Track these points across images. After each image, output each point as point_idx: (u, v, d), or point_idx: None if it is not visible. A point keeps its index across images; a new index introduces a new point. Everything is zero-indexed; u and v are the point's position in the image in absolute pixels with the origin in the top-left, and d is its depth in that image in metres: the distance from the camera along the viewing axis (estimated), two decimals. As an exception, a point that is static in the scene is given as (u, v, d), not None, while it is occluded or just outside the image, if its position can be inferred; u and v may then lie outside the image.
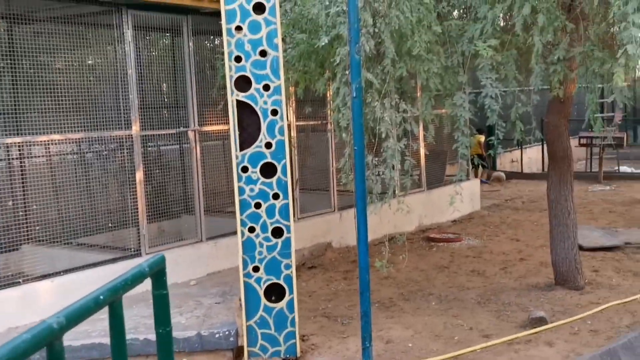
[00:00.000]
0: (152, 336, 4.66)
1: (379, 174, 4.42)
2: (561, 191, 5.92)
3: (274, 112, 4.60)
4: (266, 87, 4.60)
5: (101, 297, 1.47)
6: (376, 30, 4.44)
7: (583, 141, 13.24)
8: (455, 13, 5.23)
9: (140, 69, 6.38)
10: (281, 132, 4.61)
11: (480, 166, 12.78)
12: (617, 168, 13.85)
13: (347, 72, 4.37)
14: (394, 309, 5.71)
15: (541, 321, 5.05)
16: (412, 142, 5.40)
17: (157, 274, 1.76)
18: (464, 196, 6.24)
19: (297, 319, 4.65)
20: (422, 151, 8.98)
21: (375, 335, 4.34)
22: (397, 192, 4.49)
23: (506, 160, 14.51)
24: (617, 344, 4.53)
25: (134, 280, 1.60)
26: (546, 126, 5.86)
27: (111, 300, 1.53)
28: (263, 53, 4.58)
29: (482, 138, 12.43)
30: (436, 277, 6.71)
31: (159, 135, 6.90)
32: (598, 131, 4.80)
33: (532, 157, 14.88)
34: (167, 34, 7.48)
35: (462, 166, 4.94)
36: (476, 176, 12.66)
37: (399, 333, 5.05)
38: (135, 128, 6.09)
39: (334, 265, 7.30)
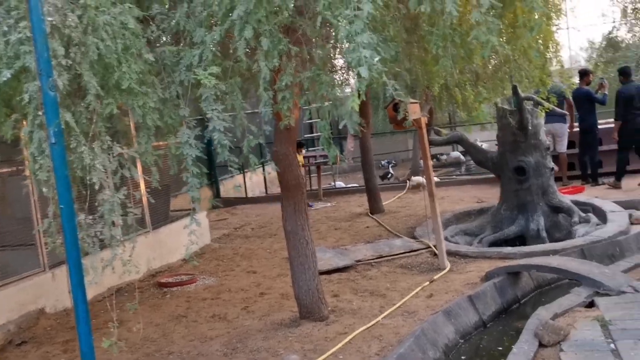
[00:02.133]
0: None
1: (96, 234, 3.61)
2: (297, 221, 5.67)
3: (-54, 168, 3.52)
4: None
5: None
6: (70, 61, 3.62)
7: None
8: (167, 38, 4.62)
9: None
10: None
11: None
12: (333, 184, 14.53)
13: (40, 113, 3.49)
14: (130, 382, 4.88)
15: (295, 367, 4.68)
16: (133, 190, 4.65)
17: None
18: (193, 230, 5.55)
19: None
20: (143, 189, 8.16)
21: None
22: (121, 252, 3.72)
23: (229, 186, 14.29)
24: (374, 379, 4.34)
25: None
26: (275, 156, 5.56)
27: None
28: None
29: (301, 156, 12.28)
30: (174, 330, 6.00)
31: None
32: (332, 160, 4.59)
33: (254, 180, 14.90)
34: None
35: (196, 208, 4.31)
36: None
37: (140, 415, 4.26)
38: None
39: (51, 335, 6.14)
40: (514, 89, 8.36)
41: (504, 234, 8.57)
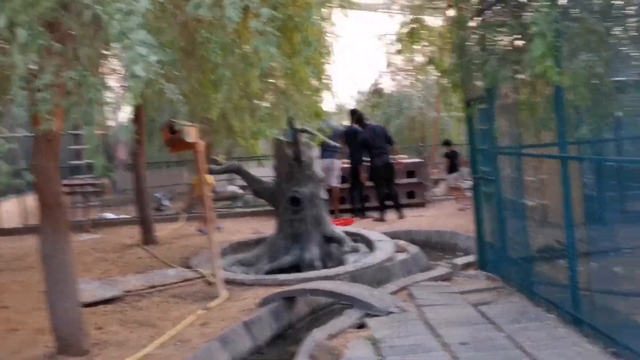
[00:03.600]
0: None
1: None
2: (56, 244, 5.06)
3: None
4: None
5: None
6: None
7: (65, 189, 12.52)
8: None
9: None
10: None
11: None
12: (101, 215, 13.62)
13: None
14: None
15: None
16: None
17: None
18: None
19: None
20: None
21: None
22: None
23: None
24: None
25: None
26: (33, 169, 4.94)
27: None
28: None
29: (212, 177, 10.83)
30: None
31: None
32: (99, 175, 4.14)
33: (10, 210, 13.40)
34: None
35: None
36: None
37: None
38: None
39: None
40: (290, 121, 8.53)
41: (280, 264, 8.60)
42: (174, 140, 7.34)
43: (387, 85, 20.77)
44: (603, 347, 4.59)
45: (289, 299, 6.45)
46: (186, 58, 5.22)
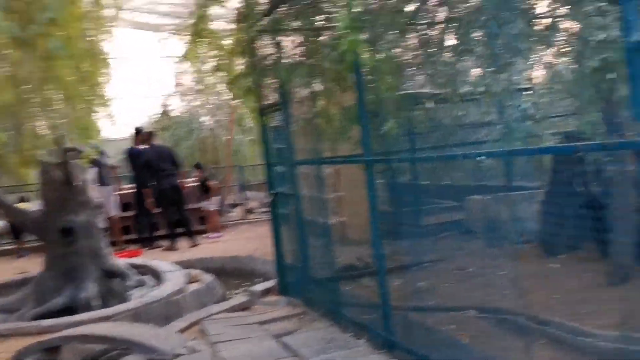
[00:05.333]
0: None
1: None
2: None
3: None
4: None
5: None
6: None
7: None
8: None
9: None
10: None
11: None
12: None
13: None
14: None
15: None
16: None
17: None
18: None
19: None
20: None
21: None
22: None
23: None
24: None
25: None
26: None
27: None
28: None
29: None
30: None
31: None
32: None
33: None
34: None
35: None
36: None
37: None
38: None
39: None
40: (59, 139, 7.30)
41: (49, 307, 7.22)
42: None
43: (177, 106, 19.67)
44: (421, 371, 4.11)
45: (53, 350, 5.23)
46: None
